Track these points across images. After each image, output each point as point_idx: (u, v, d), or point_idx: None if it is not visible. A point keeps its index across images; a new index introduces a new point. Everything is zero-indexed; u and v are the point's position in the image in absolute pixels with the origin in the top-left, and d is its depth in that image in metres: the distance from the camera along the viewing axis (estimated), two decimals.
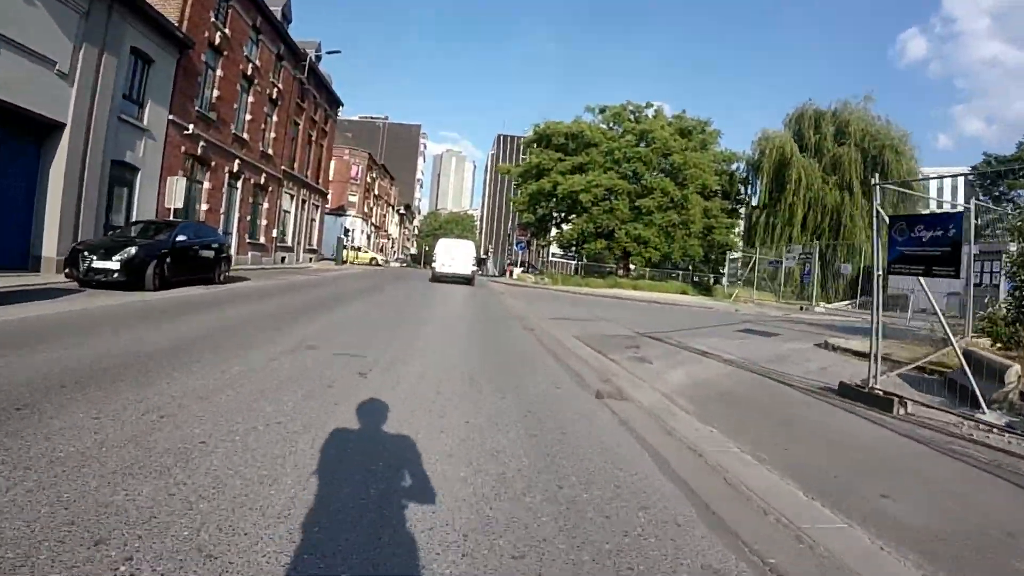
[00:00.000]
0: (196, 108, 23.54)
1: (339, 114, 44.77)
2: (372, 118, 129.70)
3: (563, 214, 40.06)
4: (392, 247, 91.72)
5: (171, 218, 20.48)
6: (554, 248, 68.62)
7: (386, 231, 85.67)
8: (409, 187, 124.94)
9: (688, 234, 35.67)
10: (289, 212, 36.24)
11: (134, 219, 18.90)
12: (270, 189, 32.14)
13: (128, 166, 20.01)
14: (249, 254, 29.90)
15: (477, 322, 12.10)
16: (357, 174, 66.57)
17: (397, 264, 74.79)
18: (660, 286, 35.22)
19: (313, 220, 41.75)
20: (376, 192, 76.13)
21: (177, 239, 14.88)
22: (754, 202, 41.75)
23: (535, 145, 39.48)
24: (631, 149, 35.87)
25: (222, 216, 26.49)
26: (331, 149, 44.06)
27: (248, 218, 29.62)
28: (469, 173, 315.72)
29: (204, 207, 25.13)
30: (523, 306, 17.12)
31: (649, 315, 17.34)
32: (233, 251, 27.78)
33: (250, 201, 29.71)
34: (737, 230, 38.98)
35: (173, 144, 22.14)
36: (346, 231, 64.91)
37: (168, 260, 14.24)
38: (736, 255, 37.53)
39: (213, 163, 25.29)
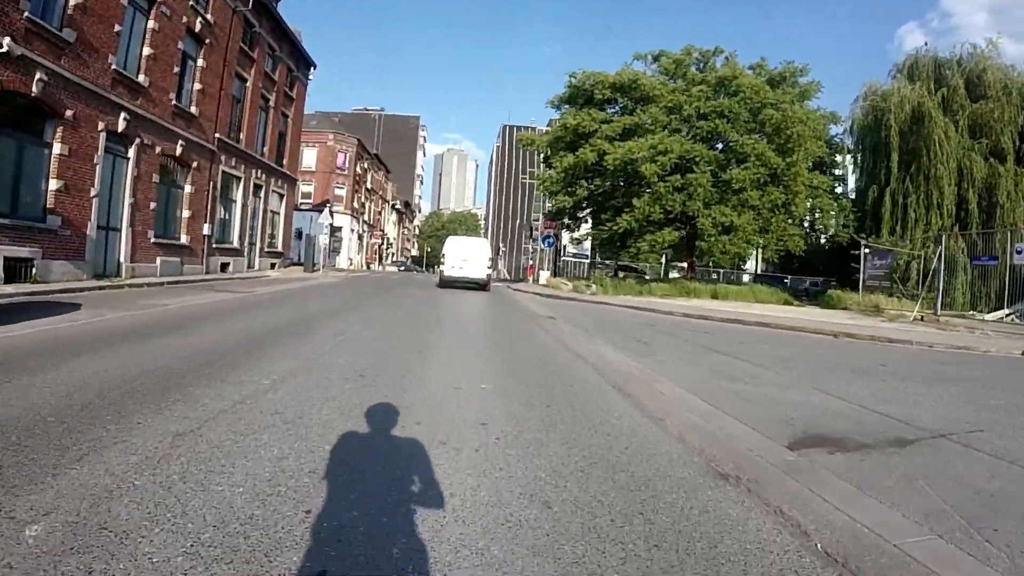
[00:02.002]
0: (25, 16, 13.71)
1: (310, 76, 34.85)
2: (367, 109, 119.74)
3: (602, 199, 29.84)
4: (389, 248, 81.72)
5: None
6: (571, 248, 58.66)
7: (381, 230, 75.69)
8: (408, 183, 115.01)
9: (789, 220, 25.70)
10: (234, 201, 26.35)
11: None
12: (195, 165, 22.26)
13: None
14: (157, 260, 20.04)
15: None
16: (344, 163, 56.69)
17: (394, 268, 64.82)
18: (744, 292, 25.31)
19: (275, 214, 31.85)
20: (369, 185, 66.23)
21: None
22: (852, 176, 31.86)
23: (569, 105, 29.40)
24: (706, 103, 25.89)
25: (94, 201, 16.56)
26: (299, 121, 34.13)
27: (153, 206, 19.72)
28: (471, 173, 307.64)
29: (53, 185, 15.23)
30: (631, 366, 7.27)
31: (950, 391, 7.34)
32: (122, 256, 18.12)
33: (155, 181, 19.80)
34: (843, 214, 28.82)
35: None
36: (332, 230, 55.32)
37: None
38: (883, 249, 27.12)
39: (69, 113, 15.43)
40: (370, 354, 6.86)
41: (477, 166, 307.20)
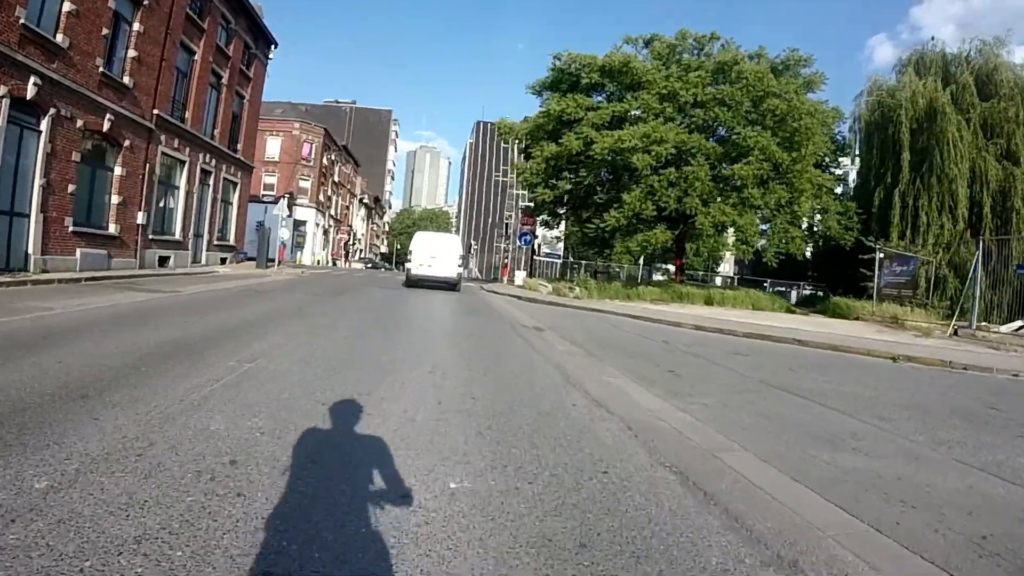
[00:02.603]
0: None
1: (271, 56, 32.00)
2: (338, 102, 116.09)
3: (586, 194, 27.34)
4: (356, 245, 78.63)
5: None
6: (544, 247, 56.13)
7: (349, 226, 72.60)
8: (379, 179, 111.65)
9: (792, 222, 23.58)
10: (177, 188, 23.50)
11: None
12: (128, 144, 19.46)
13: None
14: (77, 253, 17.26)
15: None
16: (310, 153, 53.68)
17: (361, 265, 62.00)
18: (741, 298, 23.15)
19: (228, 204, 28.97)
20: (336, 178, 63.18)
21: None
22: (851, 176, 30.25)
23: (551, 91, 26.97)
24: (704, 91, 23.68)
25: None
26: (257, 103, 31.27)
27: (72, 189, 16.91)
28: (444, 170, 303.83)
29: None
30: (677, 420, 4.99)
31: None
32: (31, 247, 15.46)
33: (75, 160, 16.99)
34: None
35: None
36: (296, 224, 52.56)
37: None
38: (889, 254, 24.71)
39: None
40: (271, 405, 4.36)
41: (450, 164, 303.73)
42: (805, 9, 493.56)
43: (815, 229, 27.42)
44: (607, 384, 6.30)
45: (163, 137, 21.54)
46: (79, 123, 17.02)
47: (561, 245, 43.92)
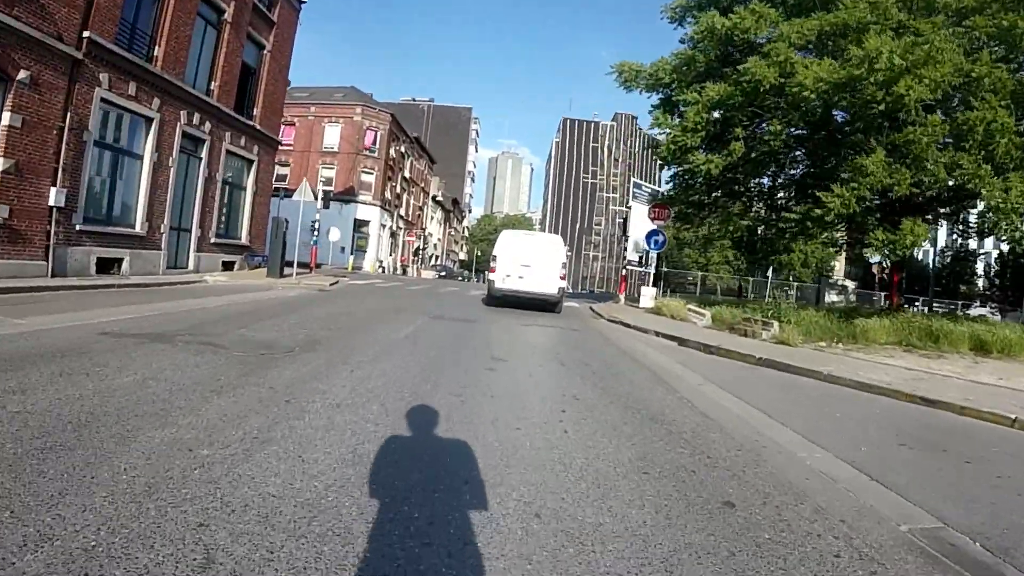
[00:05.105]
0: None
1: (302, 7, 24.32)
2: (414, 100, 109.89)
3: (749, 167, 17.46)
4: (431, 250, 71.23)
5: None
6: (631, 254, 45.95)
7: (422, 228, 65.21)
8: (458, 180, 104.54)
9: None
10: (139, 157, 15.88)
11: None
12: (25, 77, 11.88)
13: None
14: None
15: None
16: (374, 142, 46.36)
17: (433, 274, 54.30)
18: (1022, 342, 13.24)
19: (238, 189, 21.42)
20: (407, 174, 55.83)
21: None
22: None
23: (701, 12, 16.92)
24: None
25: None
26: (283, 59, 23.53)
27: None
28: (526, 177, 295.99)
29: None
30: None
31: None
32: None
33: None
34: None
35: None
36: (356, 224, 45.40)
37: None
38: None
39: None
40: None
41: (532, 171, 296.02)
42: None
43: None
44: None
45: (104, 76, 13.93)
46: None
47: (654, 254, 33.55)
